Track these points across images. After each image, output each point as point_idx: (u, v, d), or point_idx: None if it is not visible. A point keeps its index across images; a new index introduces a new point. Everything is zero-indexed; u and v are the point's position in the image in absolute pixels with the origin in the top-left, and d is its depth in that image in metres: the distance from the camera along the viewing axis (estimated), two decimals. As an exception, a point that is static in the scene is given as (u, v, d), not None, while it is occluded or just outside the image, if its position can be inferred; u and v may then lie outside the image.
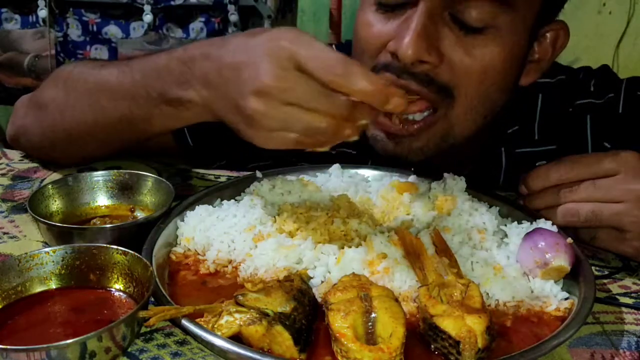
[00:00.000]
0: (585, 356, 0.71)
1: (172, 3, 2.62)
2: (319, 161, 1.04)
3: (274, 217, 0.90)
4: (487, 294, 0.77)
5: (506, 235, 0.87)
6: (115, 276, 0.76)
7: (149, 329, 0.71)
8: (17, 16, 2.74)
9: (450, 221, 0.88)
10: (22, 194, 1.06)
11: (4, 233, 0.94)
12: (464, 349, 0.64)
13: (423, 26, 0.89)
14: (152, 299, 0.72)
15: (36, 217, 0.86)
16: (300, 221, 0.88)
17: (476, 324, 0.66)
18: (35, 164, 1.18)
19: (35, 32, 2.72)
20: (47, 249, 0.76)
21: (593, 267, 0.85)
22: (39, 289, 0.75)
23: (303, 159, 1.09)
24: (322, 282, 0.79)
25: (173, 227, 0.88)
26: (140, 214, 0.96)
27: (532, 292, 0.79)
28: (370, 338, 0.66)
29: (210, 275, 0.82)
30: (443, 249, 0.80)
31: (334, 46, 1.28)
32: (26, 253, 0.75)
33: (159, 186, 0.97)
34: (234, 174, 1.15)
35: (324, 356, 0.68)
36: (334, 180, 1.01)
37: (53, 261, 0.76)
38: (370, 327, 0.67)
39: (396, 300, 0.71)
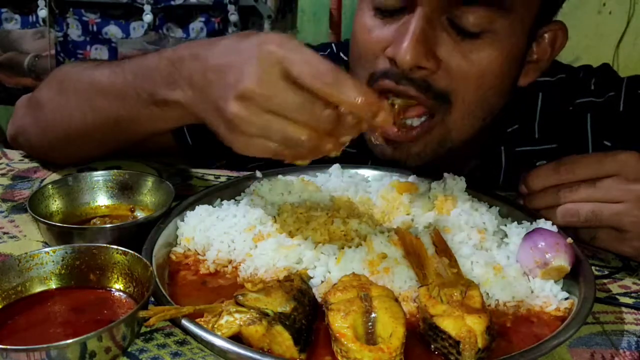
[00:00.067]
0: (585, 356, 0.71)
1: (172, 3, 2.62)
2: (319, 161, 1.03)
3: (274, 217, 0.90)
4: (487, 294, 0.77)
5: (506, 235, 0.87)
6: (115, 276, 0.76)
7: (149, 329, 0.71)
8: (17, 16, 2.74)
9: (450, 221, 0.88)
10: (22, 194, 1.06)
11: (4, 233, 0.94)
12: (464, 349, 0.64)
13: (421, 31, 0.88)
14: (152, 299, 0.72)
15: (36, 217, 0.86)
16: (300, 221, 0.88)
17: (476, 324, 0.66)
18: (35, 164, 1.18)
19: (35, 32, 2.72)
20: (47, 249, 0.76)
21: (593, 267, 0.85)
22: (39, 289, 0.75)
23: None
24: (322, 282, 0.79)
25: (173, 227, 0.88)
26: (140, 214, 0.96)
27: (532, 292, 0.79)
28: (370, 338, 0.66)
29: (210, 275, 0.82)
30: (443, 249, 0.80)
31: (333, 45, 1.28)
32: (26, 253, 0.75)
33: (159, 186, 0.97)
34: (234, 174, 1.15)
35: (324, 356, 0.68)
36: (334, 180, 1.01)
37: (53, 261, 0.76)
38: (370, 327, 0.67)
39: (396, 300, 0.71)
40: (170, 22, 2.67)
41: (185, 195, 0.96)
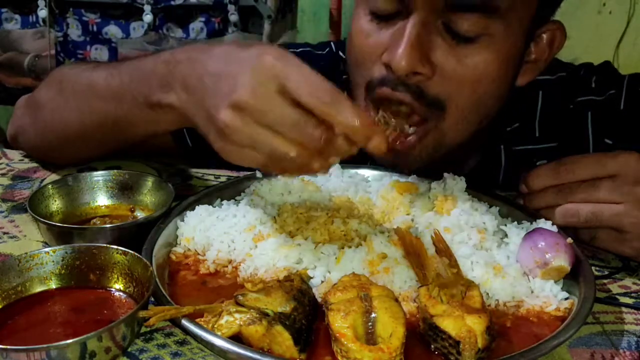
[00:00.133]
0: (585, 356, 0.71)
1: (172, 3, 2.62)
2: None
3: (274, 217, 0.90)
4: (487, 294, 0.77)
5: (506, 235, 0.87)
6: (115, 276, 0.76)
7: (149, 329, 0.71)
8: (17, 16, 2.74)
9: (450, 221, 0.88)
10: (22, 194, 1.06)
11: (4, 233, 0.94)
12: (464, 349, 0.64)
13: (416, 37, 0.88)
14: (152, 299, 0.72)
15: (36, 217, 0.86)
16: (300, 221, 0.88)
17: (476, 324, 0.66)
18: (35, 164, 1.18)
19: (35, 32, 2.72)
20: (47, 249, 0.76)
21: (593, 267, 0.85)
22: (39, 289, 0.75)
23: None
24: (322, 282, 0.79)
25: (173, 227, 0.88)
26: (140, 214, 0.96)
27: (532, 292, 0.79)
28: (370, 338, 0.66)
29: (210, 275, 0.82)
30: (443, 249, 0.80)
31: (332, 44, 1.28)
32: (26, 253, 0.75)
33: (159, 186, 0.97)
34: (234, 174, 1.15)
35: (324, 356, 0.68)
36: (334, 180, 1.01)
37: (53, 261, 0.76)
38: (370, 327, 0.67)
39: (396, 300, 0.71)
40: (170, 22, 2.67)
41: (185, 195, 0.96)
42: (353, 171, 1.05)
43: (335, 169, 1.04)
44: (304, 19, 3.13)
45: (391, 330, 0.65)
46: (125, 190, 0.98)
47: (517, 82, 1.02)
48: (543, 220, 0.89)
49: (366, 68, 0.96)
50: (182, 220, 0.89)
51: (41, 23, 2.68)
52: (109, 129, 0.98)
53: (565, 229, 0.88)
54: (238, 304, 0.68)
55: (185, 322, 0.67)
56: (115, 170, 0.99)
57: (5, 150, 1.25)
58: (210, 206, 0.92)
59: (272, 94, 0.70)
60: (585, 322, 0.72)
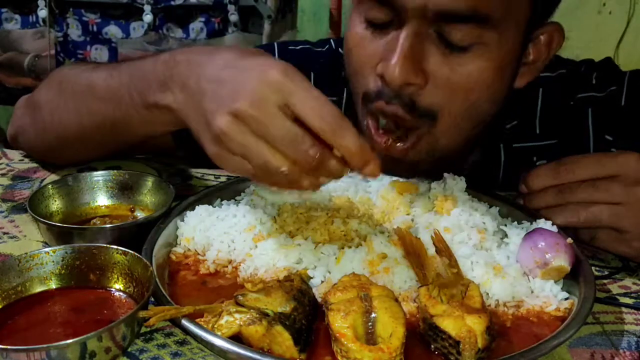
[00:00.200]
0: (585, 356, 0.71)
1: (172, 3, 2.62)
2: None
3: (274, 217, 0.90)
4: (487, 294, 0.77)
5: (506, 235, 0.87)
6: (115, 276, 0.76)
7: (149, 329, 0.71)
8: (17, 16, 2.74)
9: (450, 221, 0.88)
10: (22, 194, 1.06)
11: (4, 233, 0.94)
12: (464, 349, 0.64)
13: (409, 48, 0.87)
14: (152, 299, 0.72)
15: (36, 217, 0.86)
16: (300, 221, 0.88)
17: (476, 324, 0.66)
18: (35, 164, 1.18)
19: (35, 32, 2.72)
20: (47, 249, 0.76)
21: (593, 267, 0.85)
22: (39, 289, 0.75)
23: None
24: (322, 282, 0.79)
25: (173, 227, 0.88)
26: (140, 214, 0.96)
27: (532, 292, 0.79)
28: (370, 338, 0.66)
29: (210, 275, 0.82)
30: (443, 249, 0.80)
31: (332, 41, 1.28)
32: (26, 253, 0.75)
33: (159, 186, 0.97)
34: (234, 174, 1.15)
35: (324, 356, 0.68)
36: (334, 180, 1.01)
37: (53, 261, 0.76)
38: (370, 327, 0.67)
39: (396, 300, 0.71)
40: (170, 22, 2.67)
41: (185, 195, 0.96)
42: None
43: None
44: (304, 19, 3.13)
45: (391, 330, 0.65)
46: (125, 190, 0.98)
47: (516, 84, 1.01)
48: (543, 220, 0.88)
49: (363, 77, 0.96)
50: (182, 220, 0.89)
51: (41, 23, 2.68)
52: (107, 131, 0.98)
53: (565, 229, 0.88)
54: (238, 304, 0.68)
55: (185, 322, 0.67)
56: (115, 170, 0.99)
57: (5, 150, 1.25)
58: (210, 206, 0.92)
59: (273, 108, 0.70)
60: (585, 322, 0.72)
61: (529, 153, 1.15)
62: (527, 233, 0.83)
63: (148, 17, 2.61)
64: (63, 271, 0.76)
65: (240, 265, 0.82)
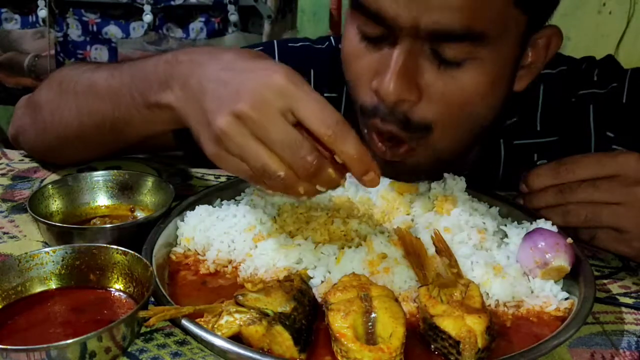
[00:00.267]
0: (585, 356, 0.71)
1: (172, 3, 2.62)
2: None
3: (274, 217, 0.90)
4: (487, 294, 0.77)
5: (506, 235, 0.87)
6: (115, 276, 0.76)
7: (149, 329, 0.71)
8: (17, 16, 2.74)
9: (450, 221, 0.88)
10: (22, 194, 1.06)
11: (4, 233, 0.94)
12: (464, 349, 0.64)
13: (402, 66, 0.86)
14: (152, 299, 0.72)
15: (36, 217, 0.86)
16: (300, 221, 0.88)
17: (476, 324, 0.66)
18: (35, 164, 1.18)
19: (35, 32, 2.72)
20: (47, 249, 0.76)
21: (593, 267, 0.84)
22: (39, 289, 0.75)
23: None
24: (322, 282, 0.79)
25: (173, 227, 0.88)
26: (140, 214, 0.96)
27: (532, 292, 0.79)
28: (370, 338, 0.66)
29: (210, 275, 0.82)
30: (443, 249, 0.80)
31: (332, 38, 1.27)
32: (26, 253, 0.75)
33: (159, 186, 0.97)
34: (232, 174, 1.15)
35: (324, 356, 0.68)
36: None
37: (53, 261, 0.76)
38: (370, 327, 0.67)
39: (396, 300, 0.71)
40: (170, 22, 2.67)
41: (185, 195, 0.96)
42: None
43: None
44: (304, 19, 3.13)
45: (391, 330, 0.65)
46: (125, 190, 0.98)
47: (515, 87, 1.00)
48: (543, 220, 0.88)
49: (359, 88, 0.95)
50: (182, 220, 0.89)
51: (41, 23, 2.68)
52: (107, 130, 0.98)
53: (565, 229, 0.88)
54: (238, 304, 0.68)
55: (185, 322, 0.67)
56: (115, 170, 0.99)
57: (6, 150, 1.25)
58: (210, 206, 0.92)
59: (275, 112, 0.70)
60: (585, 322, 0.72)
61: (530, 150, 1.14)
62: (527, 233, 0.83)
63: (148, 17, 2.61)
64: (63, 271, 0.76)
65: (240, 265, 0.82)
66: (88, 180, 0.97)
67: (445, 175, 0.98)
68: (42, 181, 1.11)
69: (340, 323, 0.66)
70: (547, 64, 1.03)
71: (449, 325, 0.66)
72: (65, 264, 0.76)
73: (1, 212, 1.00)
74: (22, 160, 1.21)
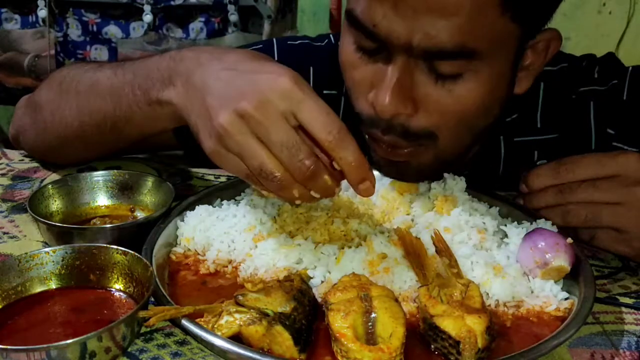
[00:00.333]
0: (585, 356, 0.71)
1: (172, 3, 2.62)
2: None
3: (274, 217, 0.90)
4: (487, 294, 0.77)
5: (506, 235, 0.87)
6: (115, 276, 0.76)
7: (149, 329, 0.71)
8: (17, 16, 2.74)
9: (450, 221, 0.88)
10: (22, 194, 1.06)
11: (4, 233, 0.94)
12: (464, 349, 0.64)
13: (397, 82, 0.86)
14: (152, 299, 0.72)
15: (36, 217, 0.86)
16: (300, 221, 0.88)
17: (476, 324, 0.66)
18: (35, 164, 1.18)
19: (35, 32, 2.72)
20: (47, 249, 0.76)
21: (593, 267, 0.85)
22: (39, 289, 0.75)
23: None
24: (322, 282, 0.79)
25: (173, 227, 0.88)
26: (140, 214, 0.96)
27: (532, 292, 0.79)
28: (370, 338, 0.66)
29: (210, 275, 0.82)
30: (443, 249, 0.80)
31: (331, 36, 1.27)
32: (26, 253, 0.75)
33: (159, 186, 0.97)
34: (228, 172, 1.15)
35: (324, 356, 0.68)
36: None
37: (53, 261, 0.76)
38: (370, 327, 0.67)
39: (396, 300, 0.71)
40: (170, 22, 2.67)
41: (185, 195, 0.96)
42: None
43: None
44: (304, 19, 3.13)
45: (391, 330, 0.65)
46: (125, 190, 0.98)
47: (516, 90, 0.99)
48: (543, 220, 0.89)
49: (357, 96, 0.95)
50: (182, 220, 0.89)
51: (41, 23, 2.68)
52: (107, 130, 0.98)
53: (565, 229, 0.88)
54: (238, 304, 0.68)
55: (185, 322, 0.67)
56: (115, 170, 0.99)
57: (6, 150, 1.25)
58: (210, 206, 0.92)
59: (277, 113, 0.71)
60: (585, 322, 0.72)
61: (530, 147, 1.14)
62: (527, 233, 0.83)
63: (148, 17, 2.61)
64: (63, 271, 0.76)
65: (240, 265, 0.82)
66: (88, 180, 0.97)
67: (445, 175, 0.98)
68: (42, 181, 1.11)
69: (340, 323, 0.66)
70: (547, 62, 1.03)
71: (449, 325, 0.66)
72: (65, 264, 0.76)
73: (1, 212, 1.00)
74: (22, 160, 1.21)
